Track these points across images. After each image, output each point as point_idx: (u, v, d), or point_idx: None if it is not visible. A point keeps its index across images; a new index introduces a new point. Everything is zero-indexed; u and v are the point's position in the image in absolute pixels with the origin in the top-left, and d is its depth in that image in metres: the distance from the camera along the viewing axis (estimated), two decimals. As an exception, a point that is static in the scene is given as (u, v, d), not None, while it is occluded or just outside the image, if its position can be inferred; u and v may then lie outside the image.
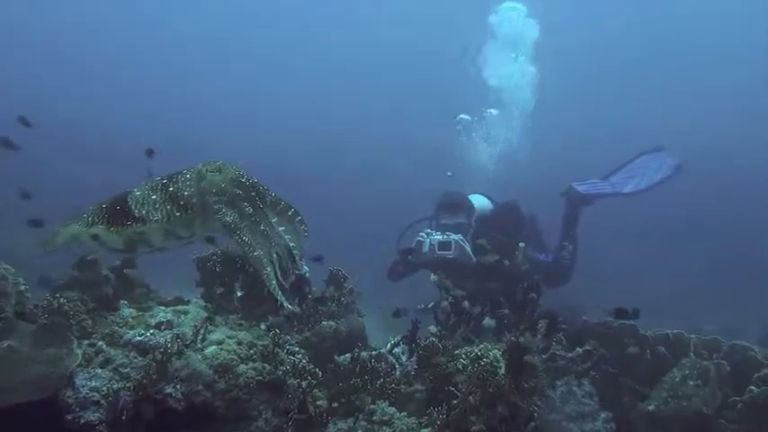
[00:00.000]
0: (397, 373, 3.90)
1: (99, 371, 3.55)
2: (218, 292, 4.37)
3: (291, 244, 3.07)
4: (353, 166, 29.40)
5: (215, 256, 4.38)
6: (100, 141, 24.96)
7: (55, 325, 3.62)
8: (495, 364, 3.45)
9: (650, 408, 4.35)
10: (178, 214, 3.02)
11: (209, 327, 3.98)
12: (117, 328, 3.89)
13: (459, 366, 3.60)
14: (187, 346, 3.62)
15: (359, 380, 3.48)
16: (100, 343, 3.73)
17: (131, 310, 4.17)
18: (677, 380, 4.54)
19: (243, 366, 3.61)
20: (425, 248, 7.03)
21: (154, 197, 3.07)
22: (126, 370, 3.58)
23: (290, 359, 3.64)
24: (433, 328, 4.45)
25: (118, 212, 3.09)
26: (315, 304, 4.36)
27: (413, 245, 7.27)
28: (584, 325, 5.37)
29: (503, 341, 4.51)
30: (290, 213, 3.13)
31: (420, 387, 3.81)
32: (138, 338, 3.74)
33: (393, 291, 7.33)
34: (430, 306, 7.75)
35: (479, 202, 7.80)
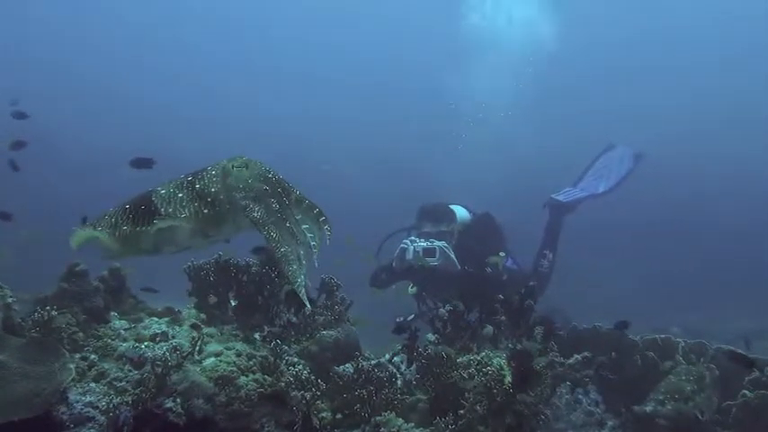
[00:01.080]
0: (399, 382, 3.83)
1: (93, 385, 3.43)
2: (212, 301, 4.25)
3: (312, 243, 3.01)
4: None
5: (208, 266, 4.28)
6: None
7: (46, 338, 3.49)
8: (502, 372, 3.41)
9: (647, 409, 4.33)
10: (206, 211, 2.97)
11: (206, 338, 3.89)
12: (109, 340, 3.77)
13: (465, 375, 3.54)
14: (185, 359, 3.51)
15: (363, 391, 3.40)
16: (93, 356, 3.61)
17: (123, 321, 4.05)
18: (674, 385, 4.54)
19: (243, 378, 3.51)
20: (410, 255, 7.04)
21: (180, 195, 3.00)
22: (122, 384, 3.46)
23: (292, 370, 3.55)
24: (430, 337, 4.39)
25: (143, 212, 3.01)
26: (312, 314, 4.26)
27: (396, 253, 7.27)
28: (574, 330, 5.38)
29: (501, 348, 4.50)
30: (314, 212, 3.09)
31: (422, 396, 3.75)
32: (133, 351, 3.62)
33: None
34: (410, 318, 7.76)
35: (459, 212, 7.87)
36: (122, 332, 3.88)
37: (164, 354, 3.42)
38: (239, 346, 3.84)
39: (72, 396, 3.29)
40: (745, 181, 27.95)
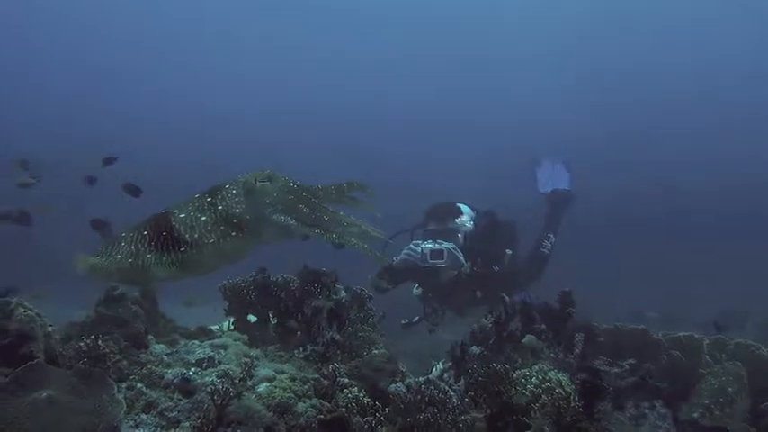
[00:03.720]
0: (454, 400, 3.74)
1: (144, 416, 3.29)
2: (252, 321, 4.12)
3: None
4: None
5: (246, 284, 4.14)
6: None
7: (92, 369, 3.33)
8: (568, 390, 3.33)
9: (695, 415, 4.27)
10: (233, 234, 2.88)
11: (255, 361, 3.75)
12: (153, 367, 3.62)
13: (528, 394, 3.45)
14: (237, 385, 3.37)
15: (428, 414, 3.30)
16: (139, 385, 3.45)
17: (161, 346, 3.89)
18: (716, 387, 4.47)
19: (301, 405, 3.38)
20: (417, 257, 7.00)
21: (203, 218, 2.89)
22: (173, 414, 3.32)
23: (350, 394, 3.43)
24: (476, 349, 4.30)
25: (166, 239, 2.88)
26: (354, 331, 4.15)
27: (401, 255, 7.22)
28: (594, 329, 5.29)
29: (543, 358, 4.42)
30: (345, 186, 3.05)
31: (478, 415, 3.65)
32: (181, 378, 3.47)
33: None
34: (415, 320, 7.72)
35: (465, 210, 7.87)
36: (165, 357, 3.73)
37: (221, 383, 3.28)
38: (289, 368, 3.71)
39: (124, 429, 3.15)
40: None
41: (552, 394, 3.30)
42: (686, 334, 5.40)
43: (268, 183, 2.98)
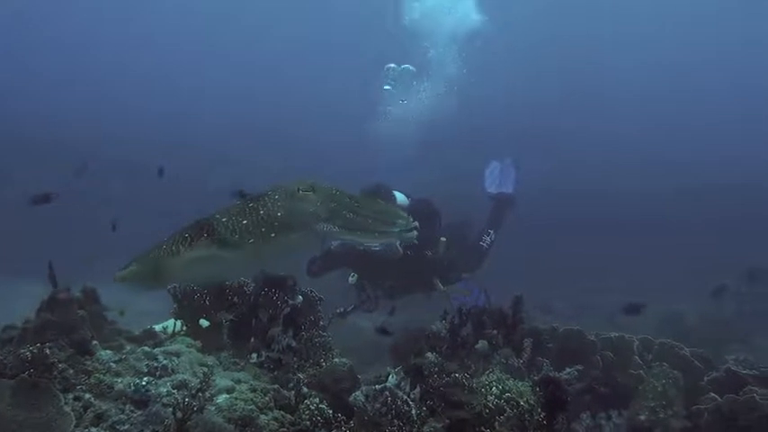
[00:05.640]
0: (413, 412, 3.70)
1: (94, 430, 3.10)
2: (205, 326, 3.96)
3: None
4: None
5: (200, 288, 3.98)
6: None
7: (38, 379, 3.11)
8: (531, 402, 3.36)
9: (642, 417, 4.39)
10: (273, 236, 2.94)
11: (204, 368, 3.60)
12: (101, 376, 3.41)
13: (491, 405, 3.45)
14: (194, 397, 3.23)
15: (395, 428, 3.25)
16: (87, 396, 3.25)
17: (108, 352, 3.68)
18: (659, 390, 4.63)
19: (263, 417, 3.27)
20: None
21: (245, 222, 2.95)
22: (125, 427, 3.14)
23: (312, 405, 3.34)
24: (431, 356, 4.27)
25: (206, 240, 2.98)
26: (310, 336, 4.05)
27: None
28: (534, 331, 5.40)
29: (494, 364, 4.45)
30: (386, 207, 3.22)
31: (437, 425, 3.64)
32: (134, 389, 3.29)
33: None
34: (349, 309, 7.72)
35: (399, 197, 7.93)
36: (113, 365, 3.52)
37: (181, 395, 3.13)
38: (246, 377, 3.58)
39: (74, 445, 2.96)
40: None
41: (517, 407, 3.32)
42: (617, 335, 5.58)
43: (311, 192, 3.05)
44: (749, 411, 4.27)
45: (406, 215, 3.17)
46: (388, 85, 11.73)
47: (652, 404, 4.42)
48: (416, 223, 3.22)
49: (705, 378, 5.07)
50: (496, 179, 10.67)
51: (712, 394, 4.71)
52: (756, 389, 4.41)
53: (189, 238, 2.93)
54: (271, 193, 3.07)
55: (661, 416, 4.33)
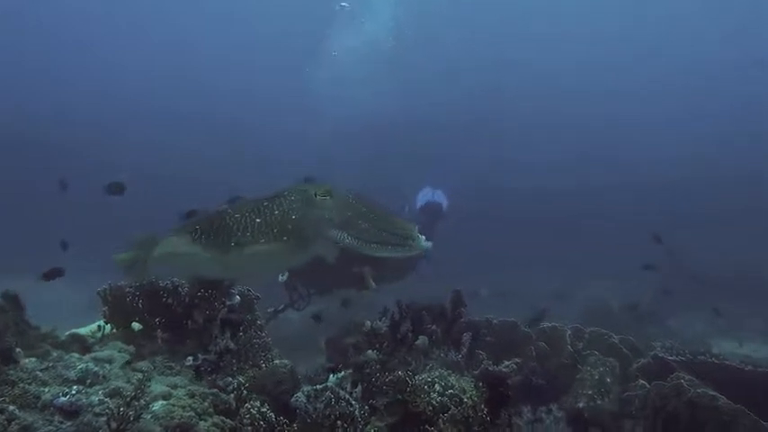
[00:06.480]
0: (357, 412, 3.66)
1: (19, 445, 2.92)
2: (137, 329, 3.79)
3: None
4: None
5: (132, 289, 3.80)
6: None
7: (-44, 393, 2.90)
8: (475, 399, 3.37)
9: (580, 405, 4.48)
10: (285, 238, 2.94)
11: (138, 374, 3.45)
12: (26, 385, 3.21)
13: (435, 403, 3.44)
14: (129, 405, 3.08)
15: (338, 428, 3.20)
16: (11, 408, 3.05)
17: (33, 359, 3.47)
18: (596, 378, 4.73)
19: (203, 424, 3.15)
20: None
21: (258, 221, 2.96)
22: (54, 440, 2.97)
23: (253, 409, 3.25)
24: (371, 354, 4.24)
25: (220, 236, 3.01)
26: (249, 337, 3.95)
27: None
28: (470, 324, 5.46)
29: (433, 359, 4.46)
30: (398, 224, 3.16)
31: (380, 424, 3.61)
32: (64, 399, 3.11)
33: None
34: (281, 308, 7.64)
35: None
36: (39, 374, 3.32)
37: (115, 403, 2.98)
38: (182, 381, 3.45)
39: (-3, 461, 2.78)
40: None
41: (460, 404, 3.32)
42: (550, 325, 5.69)
43: (328, 198, 3.03)
44: (677, 397, 4.42)
45: (416, 228, 3.14)
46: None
47: (590, 392, 4.52)
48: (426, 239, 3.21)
49: (634, 365, 5.24)
50: (427, 197, 10.92)
51: (641, 381, 4.84)
52: (684, 375, 4.56)
53: (199, 232, 2.98)
54: (287, 194, 3.05)
55: (598, 402, 4.44)
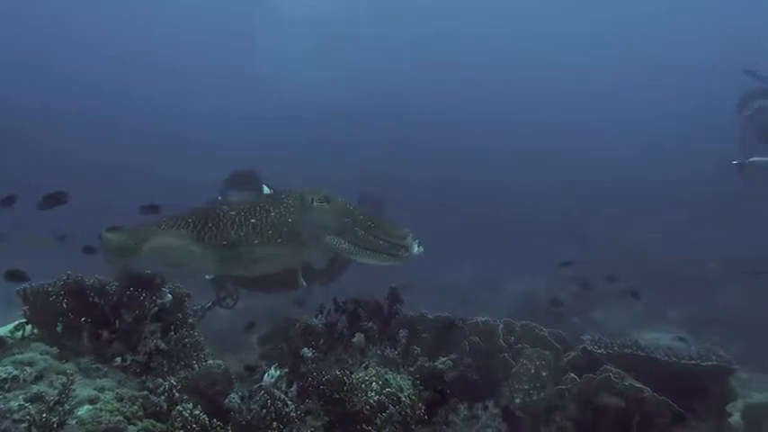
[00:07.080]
0: (293, 413, 3.59)
1: (-70, 455, 2.73)
2: (60, 330, 3.61)
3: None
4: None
5: (56, 288, 3.62)
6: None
7: None
8: (413, 398, 3.36)
9: (517, 401, 4.52)
10: (279, 241, 2.93)
11: (63, 377, 3.28)
12: (-61, 392, 3.01)
13: (372, 402, 3.42)
14: (52, 410, 2.94)
15: (273, 429, 3.13)
16: None
17: (-54, 364, 3.25)
18: (533, 372, 4.78)
19: (132, 428, 3.03)
20: None
21: (253, 221, 2.94)
22: (-30, 449, 2.80)
23: (185, 411, 3.14)
24: (307, 352, 4.18)
25: (212, 232, 2.98)
26: (180, 336, 3.82)
27: None
28: (405, 319, 5.46)
29: (369, 356, 4.44)
30: (396, 230, 3.20)
31: (316, 424, 3.56)
32: (-20, 405, 2.93)
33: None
34: (208, 306, 7.51)
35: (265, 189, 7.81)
36: (-47, 379, 3.12)
37: (36, 409, 2.82)
38: (110, 383, 3.30)
39: None
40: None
41: (398, 403, 3.30)
42: (483, 319, 5.75)
43: (326, 204, 3.02)
44: (606, 390, 4.53)
45: (410, 236, 3.15)
46: None
47: (526, 387, 4.58)
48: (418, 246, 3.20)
49: (564, 358, 5.34)
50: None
51: (572, 374, 4.94)
52: (612, 368, 4.69)
53: (191, 225, 2.94)
54: (284, 196, 3.04)
55: (534, 397, 4.50)
